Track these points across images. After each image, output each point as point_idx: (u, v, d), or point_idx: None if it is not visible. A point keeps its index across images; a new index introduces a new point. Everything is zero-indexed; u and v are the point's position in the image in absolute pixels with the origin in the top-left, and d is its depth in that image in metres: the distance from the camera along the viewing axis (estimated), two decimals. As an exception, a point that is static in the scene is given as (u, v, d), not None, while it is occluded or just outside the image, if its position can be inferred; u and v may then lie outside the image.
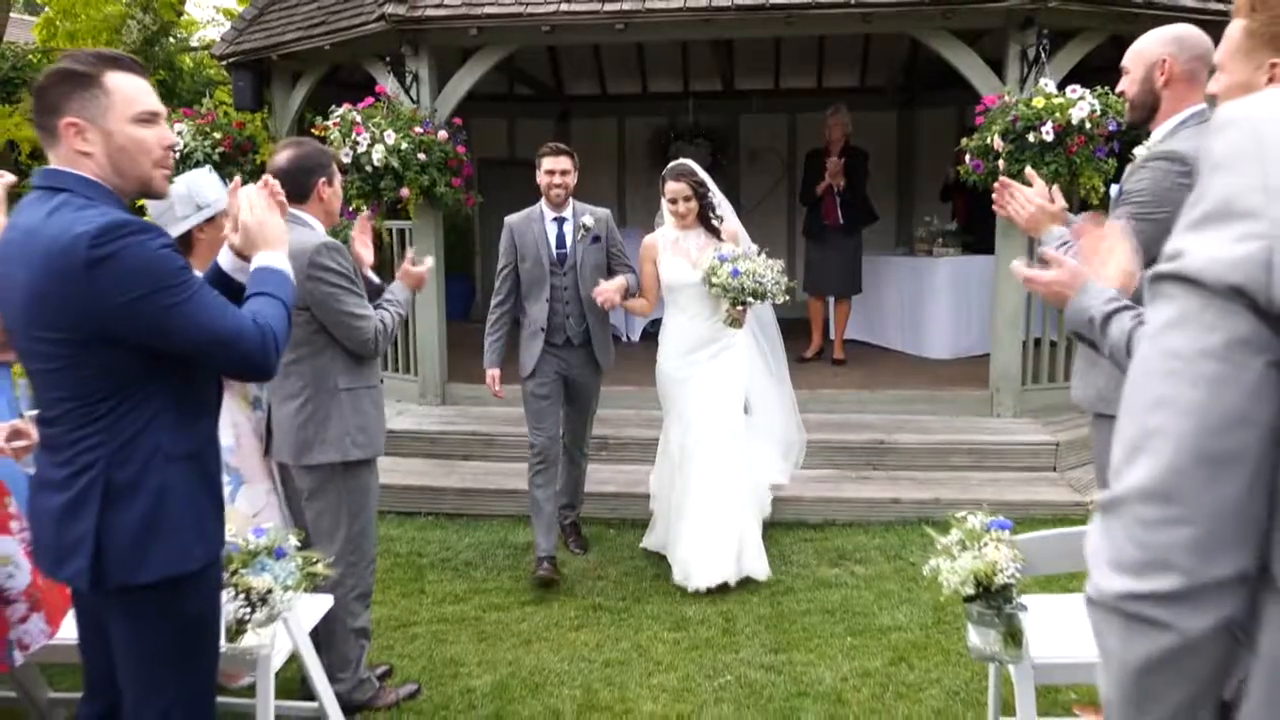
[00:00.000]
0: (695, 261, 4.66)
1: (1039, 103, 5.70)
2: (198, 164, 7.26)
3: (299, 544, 2.91)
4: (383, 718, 3.50)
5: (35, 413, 2.49)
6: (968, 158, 6.12)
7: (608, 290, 4.63)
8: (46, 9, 15.74)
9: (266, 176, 2.45)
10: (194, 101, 11.56)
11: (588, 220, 4.81)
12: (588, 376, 4.95)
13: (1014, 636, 2.51)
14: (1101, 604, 0.97)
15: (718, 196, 4.90)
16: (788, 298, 4.69)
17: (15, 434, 2.50)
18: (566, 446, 5.09)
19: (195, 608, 2.16)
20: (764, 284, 4.52)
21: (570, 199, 4.82)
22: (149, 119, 2.07)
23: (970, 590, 2.47)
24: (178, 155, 7.28)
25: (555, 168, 4.74)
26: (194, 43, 16.24)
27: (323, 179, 3.31)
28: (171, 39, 13.22)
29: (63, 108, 1.98)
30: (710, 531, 4.62)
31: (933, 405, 6.73)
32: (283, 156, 3.28)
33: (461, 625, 4.33)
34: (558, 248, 4.80)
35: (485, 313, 4.90)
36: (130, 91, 2.04)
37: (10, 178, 2.63)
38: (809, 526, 5.44)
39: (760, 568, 4.74)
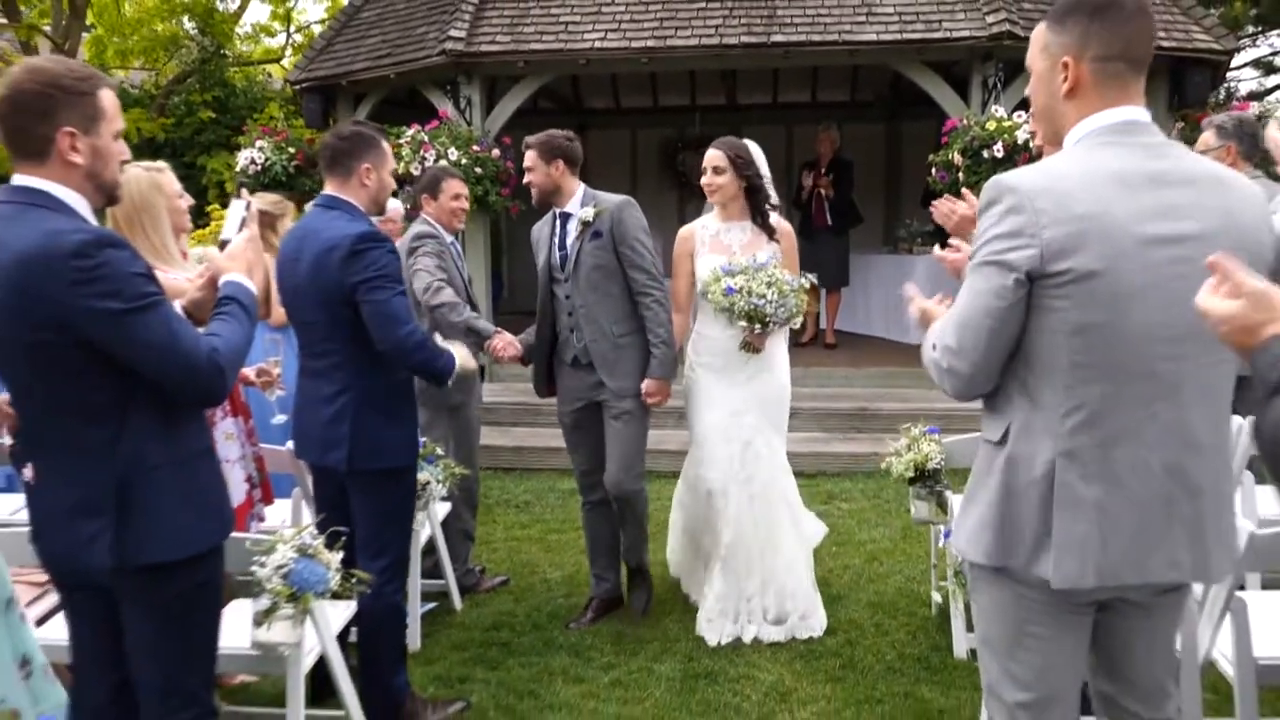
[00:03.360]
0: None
1: (991, 125, 6.88)
2: (276, 175, 8.45)
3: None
4: (484, 598, 4.67)
5: (275, 359, 3.66)
6: (933, 170, 7.30)
7: (652, 395, 4.10)
8: (95, 27, 16.77)
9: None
10: (248, 116, 12.74)
11: (585, 213, 4.03)
12: (609, 401, 4.13)
13: (942, 507, 3.70)
14: (934, 366, 2.08)
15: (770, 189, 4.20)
16: (796, 324, 4.10)
17: (261, 373, 3.67)
18: (610, 494, 4.22)
19: (409, 485, 3.36)
20: (761, 306, 3.88)
21: (580, 190, 4.12)
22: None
23: (911, 474, 3.65)
24: (260, 167, 8.49)
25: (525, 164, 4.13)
26: (236, 58, 17.31)
27: (425, 195, 4.53)
28: (223, 55, 14.32)
29: (365, 156, 3.15)
30: (744, 585, 4.07)
31: (911, 380, 7.87)
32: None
33: (530, 542, 5.51)
34: (559, 249, 4.14)
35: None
36: (389, 152, 3.22)
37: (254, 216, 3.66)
38: (804, 476, 6.41)
39: (816, 623, 4.09)
